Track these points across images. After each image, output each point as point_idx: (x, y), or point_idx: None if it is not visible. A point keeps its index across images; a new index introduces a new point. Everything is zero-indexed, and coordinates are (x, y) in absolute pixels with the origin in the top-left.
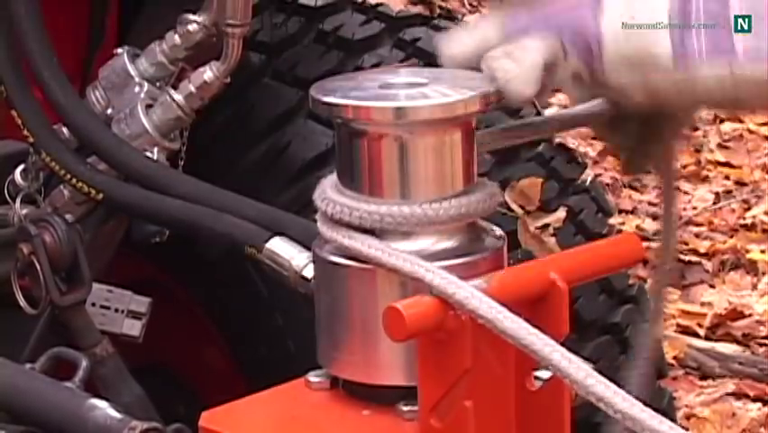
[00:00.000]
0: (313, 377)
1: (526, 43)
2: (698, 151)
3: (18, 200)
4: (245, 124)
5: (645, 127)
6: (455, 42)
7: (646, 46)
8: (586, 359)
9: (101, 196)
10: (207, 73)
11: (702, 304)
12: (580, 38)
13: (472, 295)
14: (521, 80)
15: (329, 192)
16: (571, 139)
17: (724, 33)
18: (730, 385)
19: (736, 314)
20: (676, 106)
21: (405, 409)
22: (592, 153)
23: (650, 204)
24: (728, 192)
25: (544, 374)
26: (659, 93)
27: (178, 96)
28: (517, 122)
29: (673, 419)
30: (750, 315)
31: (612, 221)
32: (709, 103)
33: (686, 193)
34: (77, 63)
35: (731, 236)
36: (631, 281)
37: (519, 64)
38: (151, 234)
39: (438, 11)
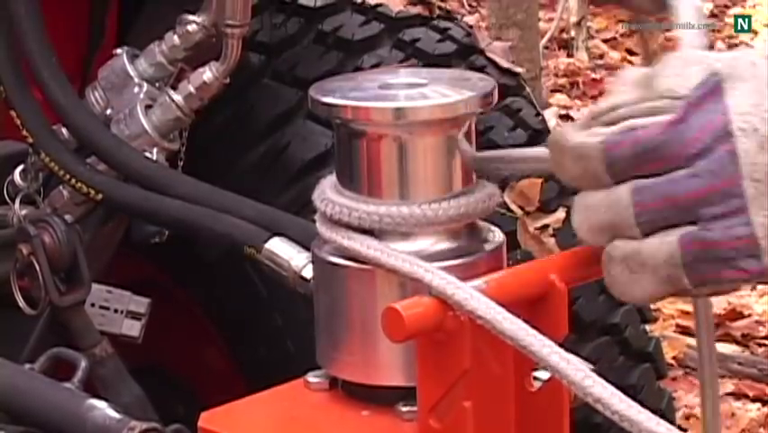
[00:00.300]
0: (312, 378)
1: (647, 255)
2: None
3: (17, 201)
4: (244, 124)
5: None
6: (586, 213)
7: None
8: (585, 360)
9: (100, 196)
10: (207, 74)
11: None
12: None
13: (471, 296)
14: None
15: (328, 193)
16: None
17: None
18: (729, 385)
19: (736, 314)
20: None
21: (404, 409)
22: None
23: None
24: None
25: (543, 375)
26: None
27: (177, 97)
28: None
29: (673, 420)
30: (749, 315)
31: None
32: None
33: None
34: (76, 63)
35: None
36: None
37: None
38: (151, 235)
39: (437, 11)
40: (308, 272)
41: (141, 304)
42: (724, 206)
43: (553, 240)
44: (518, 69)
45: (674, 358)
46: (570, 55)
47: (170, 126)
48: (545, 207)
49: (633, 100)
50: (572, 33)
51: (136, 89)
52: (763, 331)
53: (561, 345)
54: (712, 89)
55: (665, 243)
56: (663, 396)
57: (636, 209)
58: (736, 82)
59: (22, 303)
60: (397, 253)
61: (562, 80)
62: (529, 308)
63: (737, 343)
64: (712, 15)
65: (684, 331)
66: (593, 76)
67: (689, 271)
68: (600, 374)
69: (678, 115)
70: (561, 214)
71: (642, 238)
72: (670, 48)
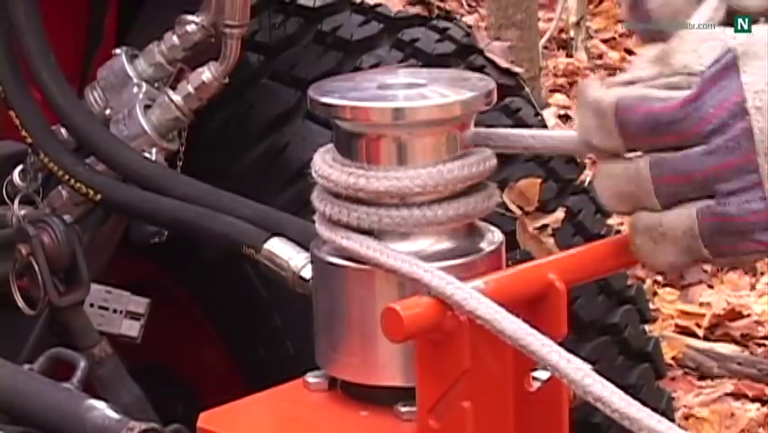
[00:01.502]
0: (311, 378)
1: (667, 227)
2: None
3: (16, 201)
4: (244, 124)
5: None
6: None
7: None
8: (584, 360)
9: (99, 196)
10: (206, 74)
11: (701, 304)
12: None
13: (470, 296)
14: None
15: (327, 193)
16: None
17: None
18: (729, 385)
19: (735, 314)
20: None
21: (403, 409)
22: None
23: None
24: None
25: (543, 375)
26: None
27: (176, 97)
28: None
29: (672, 420)
30: (748, 315)
31: (611, 221)
32: None
33: None
34: (75, 63)
35: None
36: (629, 282)
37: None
38: (150, 235)
39: (437, 11)
40: (307, 273)
41: (140, 304)
42: (739, 181)
43: (552, 240)
44: (517, 69)
45: (673, 358)
46: (569, 55)
47: (169, 126)
48: (544, 208)
49: (649, 76)
50: (571, 33)
51: (135, 89)
52: (762, 331)
53: (560, 345)
54: (727, 66)
55: (684, 215)
56: (663, 396)
57: (655, 183)
58: (751, 60)
59: (21, 303)
60: (396, 254)
61: (561, 80)
62: (528, 308)
63: (737, 343)
64: None
65: (683, 331)
66: (592, 76)
67: (707, 243)
68: (600, 374)
69: (695, 91)
70: (560, 214)
71: (662, 210)
72: None
